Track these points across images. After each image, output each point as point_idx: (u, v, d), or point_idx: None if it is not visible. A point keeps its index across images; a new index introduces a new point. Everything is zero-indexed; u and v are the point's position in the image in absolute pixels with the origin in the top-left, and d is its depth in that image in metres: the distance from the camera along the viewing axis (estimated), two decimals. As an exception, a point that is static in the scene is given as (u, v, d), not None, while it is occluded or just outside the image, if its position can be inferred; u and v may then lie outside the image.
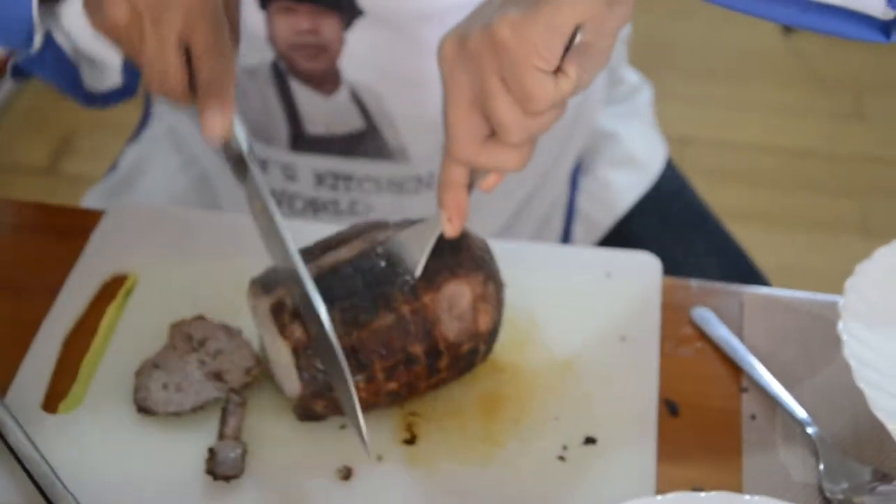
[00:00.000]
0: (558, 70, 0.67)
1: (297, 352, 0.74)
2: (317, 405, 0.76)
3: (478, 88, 0.68)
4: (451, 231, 0.74)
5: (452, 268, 0.76)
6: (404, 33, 0.95)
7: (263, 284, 0.77)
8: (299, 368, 0.74)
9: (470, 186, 0.73)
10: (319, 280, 0.75)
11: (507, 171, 0.71)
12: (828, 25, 0.65)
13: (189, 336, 0.81)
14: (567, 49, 0.66)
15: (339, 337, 0.73)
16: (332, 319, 0.74)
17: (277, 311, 0.75)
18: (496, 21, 0.66)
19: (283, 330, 0.75)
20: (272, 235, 0.76)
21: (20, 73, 0.89)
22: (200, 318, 0.83)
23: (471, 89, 0.68)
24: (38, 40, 0.80)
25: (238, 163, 0.77)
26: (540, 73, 0.66)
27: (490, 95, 0.67)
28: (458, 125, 0.69)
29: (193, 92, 0.75)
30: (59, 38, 0.85)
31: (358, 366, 0.74)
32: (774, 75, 2.50)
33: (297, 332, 0.74)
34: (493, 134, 0.69)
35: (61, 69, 0.87)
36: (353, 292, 0.74)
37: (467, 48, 0.67)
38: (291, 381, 0.76)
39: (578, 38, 0.66)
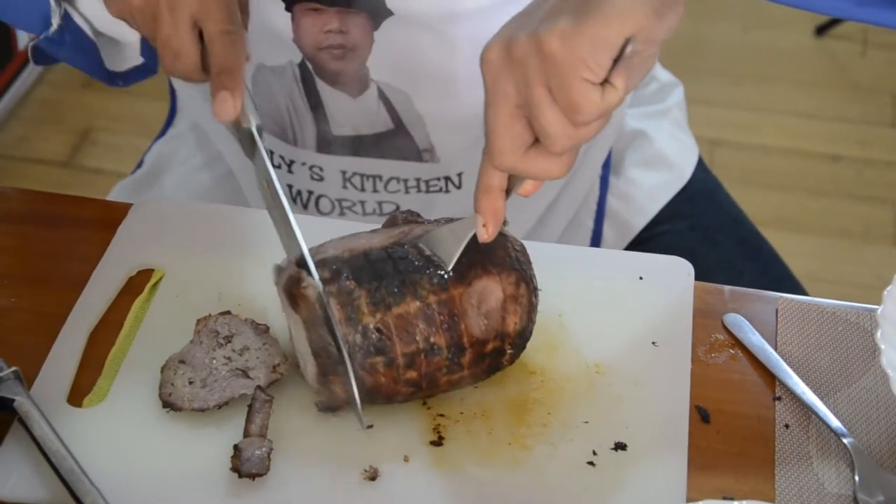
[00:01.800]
0: (606, 81, 0.66)
1: (307, 324, 0.74)
2: (335, 385, 0.75)
3: (523, 96, 0.67)
4: (485, 236, 0.73)
5: (485, 265, 0.76)
6: (434, 33, 0.94)
7: (280, 267, 0.77)
8: (310, 341, 0.74)
9: (507, 191, 0.72)
10: (351, 261, 0.75)
11: (549, 178, 0.70)
12: (883, 17, 0.63)
13: (215, 332, 0.81)
14: (616, 60, 0.65)
15: (363, 315, 0.73)
16: (358, 298, 0.73)
17: (289, 286, 0.75)
18: (545, 31, 0.65)
19: (293, 304, 0.74)
20: (276, 210, 0.77)
21: (42, 57, 0.89)
22: (227, 313, 0.82)
23: (515, 97, 0.67)
24: (55, 23, 0.81)
25: (248, 140, 0.78)
26: (587, 85, 0.65)
27: (536, 105, 0.66)
28: (500, 132, 0.68)
29: (206, 70, 0.77)
30: (78, 19, 0.85)
31: (378, 347, 0.73)
32: (806, 78, 2.48)
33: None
34: (535, 142, 0.68)
35: (82, 50, 0.87)
36: (382, 276, 0.74)
37: (513, 55, 0.66)
38: (310, 365, 0.75)
39: (628, 50, 0.65)
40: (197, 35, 0.75)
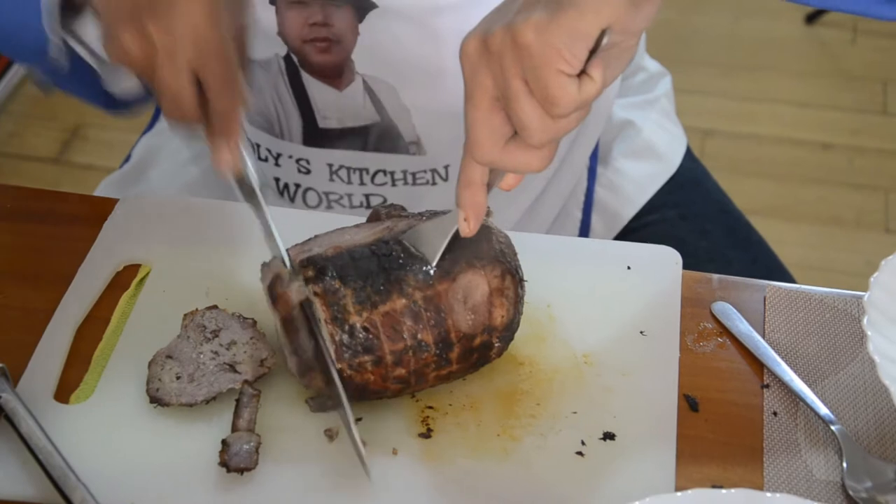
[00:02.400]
0: (582, 73, 0.65)
1: (284, 322, 0.74)
2: (316, 379, 0.75)
3: (500, 89, 0.66)
4: (467, 230, 0.73)
5: (470, 259, 0.75)
6: (419, 25, 0.94)
7: (266, 264, 0.78)
8: (289, 340, 0.74)
9: (489, 185, 0.72)
10: (335, 259, 0.75)
11: (528, 172, 0.70)
12: (854, 5, 0.64)
13: (203, 326, 0.81)
14: (592, 52, 0.65)
15: (350, 315, 0.73)
16: (344, 297, 0.73)
17: (272, 285, 0.75)
18: (519, 23, 0.64)
19: (273, 302, 0.75)
20: (260, 218, 0.78)
21: (48, 87, 0.89)
22: (214, 307, 0.82)
23: (493, 89, 0.67)
24: (52, 52, 0.82)
25: (250, 195, 0.78)
26: (564, 77, 0.64)
27: (513, 97, 0.66)
28: (479, 125, 0.68)
29: (206, 115, 0.77)
30: (79, 51, 0.86)
31: (366, 346, 0.73)
32: (796, 67, 2.48)
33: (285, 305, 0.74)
34: (515, 135, 0.68)
35: (83, 81, 0.88)
36: (367, 274, 0.74)
37: (490, 48, 0.66)
38: (293, 360, 0.75)
39: (605, 42, 0.65)
40: (195, 82, 0.75)
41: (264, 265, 0.78)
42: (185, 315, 0.82)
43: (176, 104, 0.75)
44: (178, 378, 0.78)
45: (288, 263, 0.76)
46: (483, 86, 0.67)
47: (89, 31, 0.84)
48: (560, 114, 0.65)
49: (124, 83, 0.88)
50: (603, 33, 0.64)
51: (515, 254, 0.78)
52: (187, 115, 0.76)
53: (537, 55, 0.64)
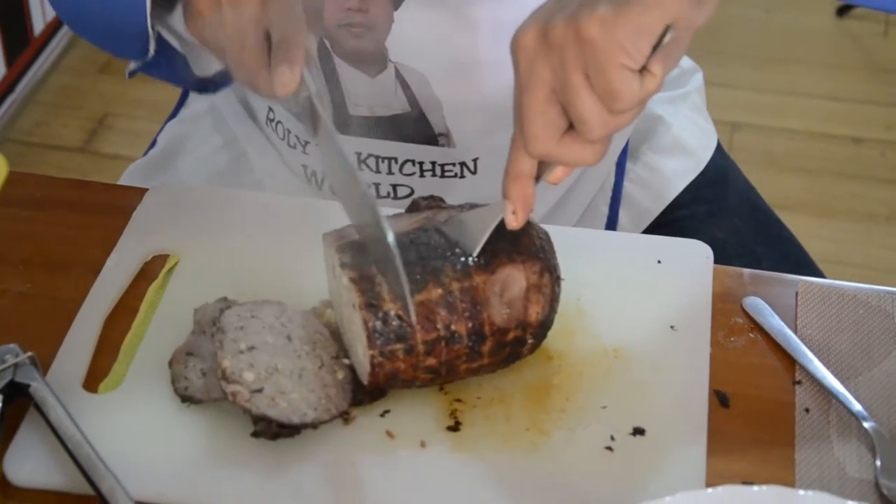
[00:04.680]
0: (644, 69, 0.65)
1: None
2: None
3: (559, 82, 0.66)
4: (514, 223, 0.73)
5: (510, 253, 0.75)
6: (456, 14, 0.94)
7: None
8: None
9: (536, 178, 0.72)
10: (373, 245, 0.74)
11: (582, 165, 0.70)
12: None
13: (216, 319, 0.80)
14: (654, 47, 0.65)
15: (384, 302, 0.73)
16: (379, 284, 0.73)
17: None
18: (584, 17, 0.64)
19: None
20: (340, 169, 0.76)
21: (133, 74, 0.91)
22: (224, 299, 0.82)
23: (551, 82, 0.66)
24: (152, 49, 0.83)
25: (308, 110, 0.77)
26: (626, 72, 0.64)
27: (573, 90, 0.65)
28: (535, 117, 0.67)
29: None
30: (169, 38, 0.87)
31: (398, 334, 0.73)
32: (828, 60, 2.45)
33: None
34: (569, 128, 0.68)
35: (174, 67, 0.89)
36: (404, 262, 0.73)
37: (550, 40, 0.65)
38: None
39: (668, 38, 0.65)
40: (262, 34, 0.75)
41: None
42: (196, 310, 0.81)
43: (241, 55, 0.75)
44: (203, 374, 0.77)
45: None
46: (541, 78, 0.66)
47: (177, 20, 0.85)
48: (621, 109, 0.65)
49: (209, 66, 0.90)
50: (666, 29, 0.64)
51: (554, 251, 0.78)
52: (252, 66, 0.75)
53: (601, 50, 0.64)
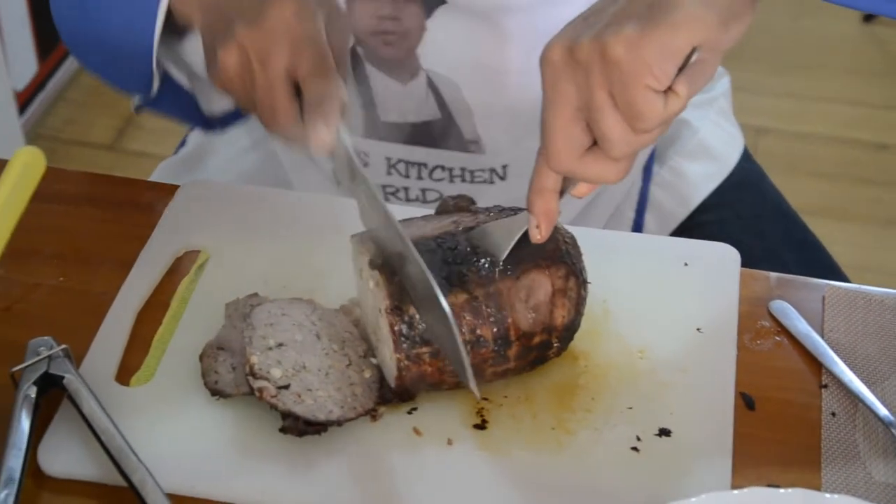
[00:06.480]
0: (669, 89, 0.65)
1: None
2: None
3: (584, 100, 0.66)
4: (538, 237, 0.73)
5: (535, 258, 0.75)
6: (487, 23, 0.94)
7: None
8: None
9: (561, 192, 0.72)
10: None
11: (604, 182, 0.70)
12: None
13: (247, 314, 0.81)
14: (680, 68, 0.65)
15: (410, 305, 0.73)
16: (404, 288, 0.73)
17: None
18: (610, 36, 0.64)
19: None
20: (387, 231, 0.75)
21: (140, 109, 0.92)
22: (254, 295, 0.83)
23: (576, 99, 0.67)
24: (156, 86, 0.83)
25: (345, 167, 0.76)
26: (651, 93, 0.65)
27: (597, 109, 0.66)
28: (558, 134, 0.68)
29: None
30: (175, 73, 0.87)
31: (424, 338, 0.74)
32: (853, 65, 2.45)
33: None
34: (593, 145, 0.68)
35: (179, 102, 0.89)
36: (431, 267, 0.74)
37: (576, 58, 0.66)
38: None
39: (693, 59, 0.65)
40: (292, 89, 0.74)
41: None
42: (227, 305, 0.82)
43: (272, 112, 0.74)
44: (233, 368, 0.78)
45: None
46: (565, 95, 0.67)
47: (188, 51, 0.84)
48: (644, 128, 0.66)
49: (218, 103, 0.89)
50: (693, 51, 0.65)
51: (580, 255, 0.78)
52: (284, 122, 0.75)
53: (627, 70, 0.64)
